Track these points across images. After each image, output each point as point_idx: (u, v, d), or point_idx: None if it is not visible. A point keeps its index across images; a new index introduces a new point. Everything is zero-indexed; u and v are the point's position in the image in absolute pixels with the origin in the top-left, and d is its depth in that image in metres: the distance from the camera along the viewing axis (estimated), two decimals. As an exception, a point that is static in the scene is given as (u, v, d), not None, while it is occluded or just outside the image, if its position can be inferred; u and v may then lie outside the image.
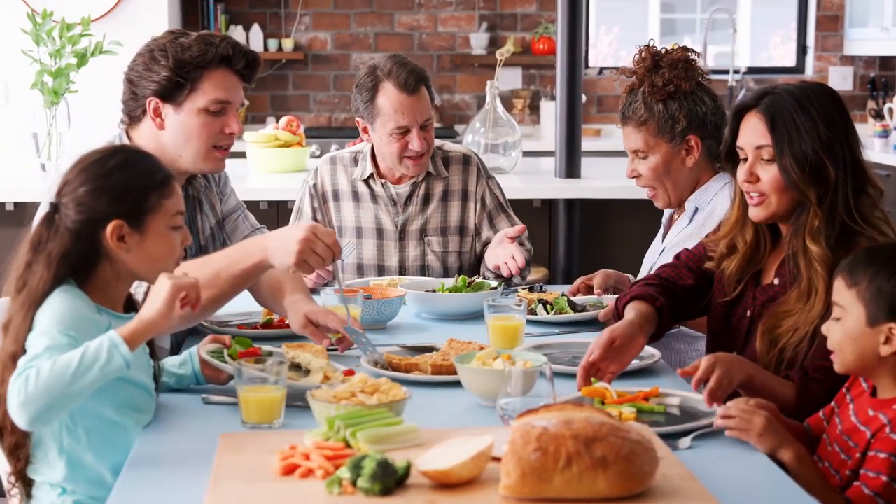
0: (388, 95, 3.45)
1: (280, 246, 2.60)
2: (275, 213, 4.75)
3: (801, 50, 7.88)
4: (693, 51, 3.13)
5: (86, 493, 2.15)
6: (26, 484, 2.19)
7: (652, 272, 2.81)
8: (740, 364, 2.32)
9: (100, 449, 2.15)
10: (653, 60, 3.09)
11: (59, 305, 2.10)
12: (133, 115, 2.90)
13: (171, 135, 2.87)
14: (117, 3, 6.28)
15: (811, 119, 2.44)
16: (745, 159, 2.52)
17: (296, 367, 2.48)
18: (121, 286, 2.23)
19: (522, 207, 4.74)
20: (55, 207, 2.16)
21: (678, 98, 3.08)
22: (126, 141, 2.92)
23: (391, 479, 1.76)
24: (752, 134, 2.50)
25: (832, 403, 2.27)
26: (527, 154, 5.92)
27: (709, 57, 7.88)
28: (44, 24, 4.81)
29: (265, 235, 2.75)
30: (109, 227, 2.14)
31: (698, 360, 2.29)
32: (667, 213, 3.31)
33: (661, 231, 3.32)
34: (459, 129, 7.06)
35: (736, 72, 7.61)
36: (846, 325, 2.14)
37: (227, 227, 3.17)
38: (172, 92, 2.84)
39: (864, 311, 2.11)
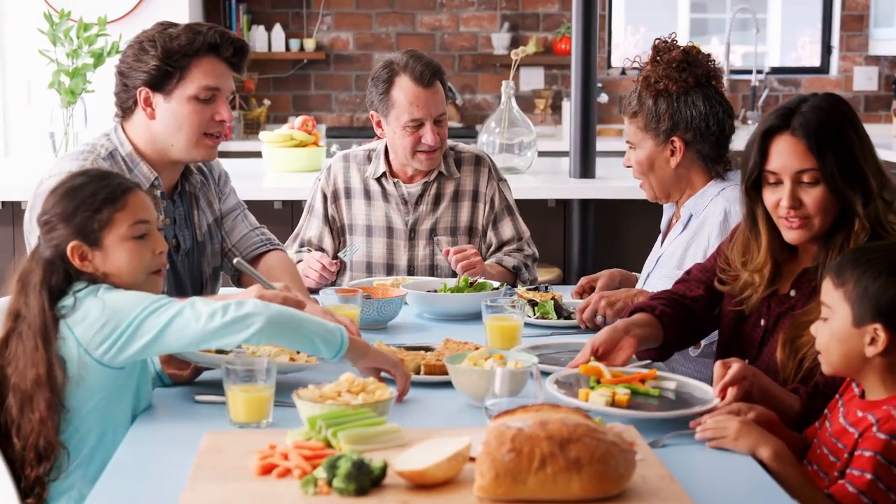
0: (403, 88, 3.45)
1: None
2: (289, 213, 4.75)
3: (826, 50, 7.80)
4: (695, 54, 3.03)
5: None
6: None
7: (650, 279, 2.77)
8: (754, 376, 2.28)
9: None
10: (655, 54, 3.05)
11: (116, 292, 2.21)
12: (125, 108, 2.94)
13: (162, 124, 2.90)
14: (138, 3, 6.31)
15: (845, 132, 2.39)
16: (777, 183, 2.43)
17: None
18: None
19: (537, 207, 4.73)
20: (38, 240, 2.28)
21: (667, 97, 3.02)
22: (120, 133, 2.95)
23: (366, 479, 1.76)
24: (790, 158, 2.41)
25: (825, 410, 2.25)
26: (549, 154, 5.90)
27: (736, 56, 7.82)
28: (60, 24, 4.84)
29: None
30: (69, 249, 2.23)
31: (723, 366, 2.26)
32: (665, 218, 3.25)
33: (660, 237, 3.26)
34: (480, 129, 7.03)
35: (759, 72, 7.55)
36: (833, 326, 2.12)
37: (225, 226, 3.18)
38: (162, 81, 2.87)
39: (851, 312, 2.08)
